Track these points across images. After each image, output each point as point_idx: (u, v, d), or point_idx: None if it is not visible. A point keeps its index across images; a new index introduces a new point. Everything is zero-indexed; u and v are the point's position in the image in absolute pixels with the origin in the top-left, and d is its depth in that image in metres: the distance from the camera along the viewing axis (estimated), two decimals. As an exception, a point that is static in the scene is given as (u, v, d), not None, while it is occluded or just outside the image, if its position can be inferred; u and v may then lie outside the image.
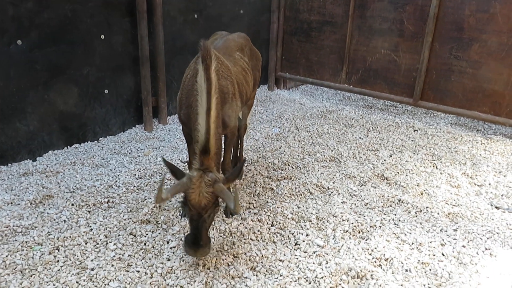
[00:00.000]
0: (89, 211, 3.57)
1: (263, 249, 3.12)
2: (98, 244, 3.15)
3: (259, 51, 4.25)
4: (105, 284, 2.76)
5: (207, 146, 2.70)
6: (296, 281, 2.84)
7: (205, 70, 2.73)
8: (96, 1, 4.66)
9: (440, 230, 3.43)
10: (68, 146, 4.82)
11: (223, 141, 3.38)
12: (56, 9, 4.34)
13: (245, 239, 3.26)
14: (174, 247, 3.12)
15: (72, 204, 3.64)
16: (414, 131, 5.69)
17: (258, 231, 3.36)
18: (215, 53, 3.09)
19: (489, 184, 4.23)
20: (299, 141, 5.24)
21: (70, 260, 2.96)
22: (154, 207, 3.61)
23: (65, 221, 3.41)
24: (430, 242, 3.26)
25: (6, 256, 2.95)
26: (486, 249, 3.21)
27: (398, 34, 5.93)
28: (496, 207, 3.82)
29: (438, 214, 3.66)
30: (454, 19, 5.42)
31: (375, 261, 3.04)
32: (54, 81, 4.49)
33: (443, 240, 3.29)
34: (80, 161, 4.51)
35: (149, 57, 5.22)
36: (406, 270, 2.95)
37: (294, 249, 3.16)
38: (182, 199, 2.72)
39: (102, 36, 4.82)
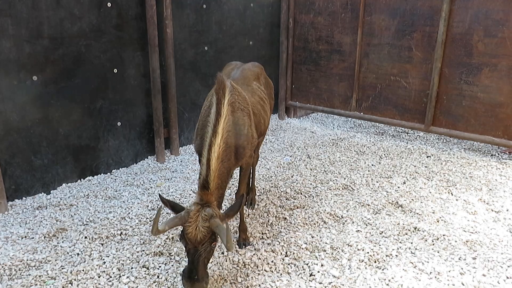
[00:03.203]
0: (102, 244, 3.57)
1: (277, 281, 3.07)
2: (111, 277, 3.12)
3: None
4: (118, 319, 2.73)
5: (207, 181, 2.68)
6: (312, 313, 2.78)
7: (217, 104, 2.79)
8: (109, 37, 4.78)
9: (459, 259, 3.34)
10: (82, 179, 4.86)
11: (238, 172, 3.35)
12: (70, 45, 4.46)
13: (259, 270, 3.21)
14: (187, 279, 3.09)
15: (85, 237, 3.64)
16: (427, 157, 5.63)
17: (272, 261, 3.31)
18: (232, 84, 3.13)
19: (507, 210, 4.14)
20: (311, 169, 5.22)
21: (83, 294, 2.94)
22: (166, 238, 3.59)
23: (78, 254, 3.40)
24: (449, 271, 3.18)
25: (20, 291, 2.94)
26: (507, 277, 3.11)
27: (407, 60, 5.96)
28: (515, 234, 3.73)
29: (456, 242, 3.58)
30: (463, 45, 5.45)
31: (392, 292, 2.97)
32: (68, 115, 4.58)
33: (462, 269, 3.20)
34: (93, 193, 4.54)
35: (161, 89, 5.31)
36: (425, 301, 2.87)
37: (309, 280, 3.10)
38: (181, 232, 2.66)
39: (115, 70, 4.92)
